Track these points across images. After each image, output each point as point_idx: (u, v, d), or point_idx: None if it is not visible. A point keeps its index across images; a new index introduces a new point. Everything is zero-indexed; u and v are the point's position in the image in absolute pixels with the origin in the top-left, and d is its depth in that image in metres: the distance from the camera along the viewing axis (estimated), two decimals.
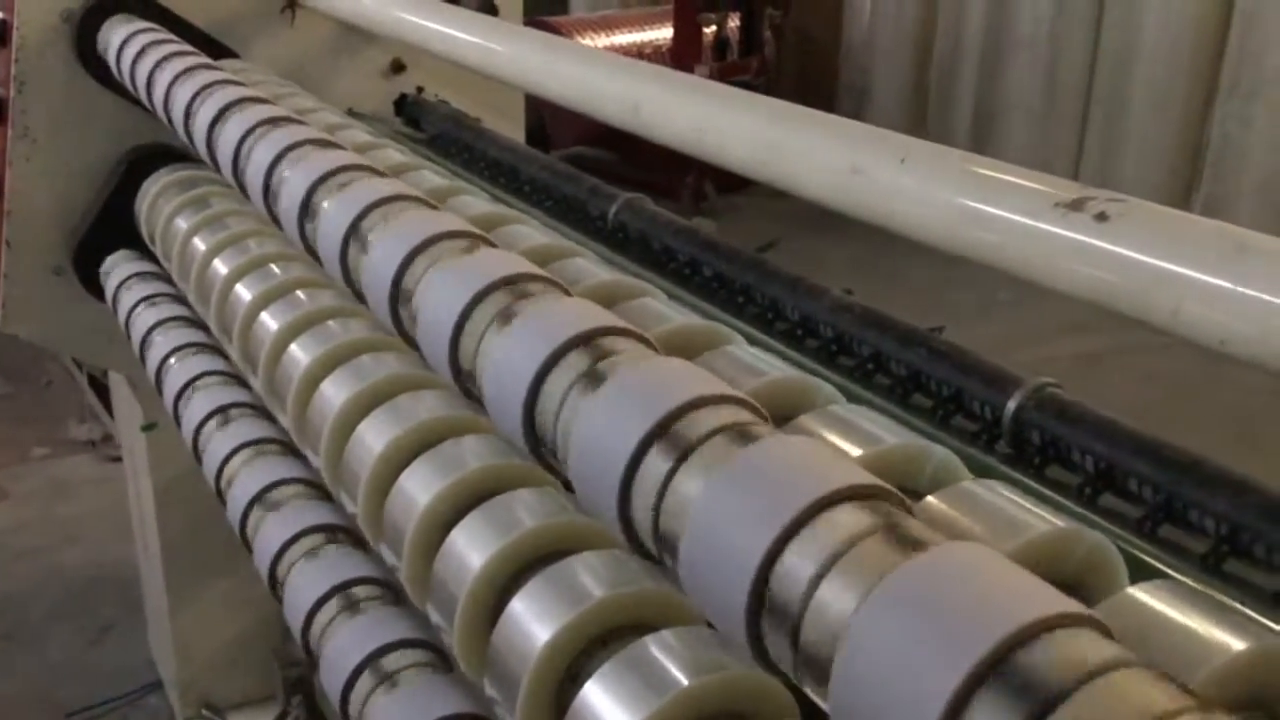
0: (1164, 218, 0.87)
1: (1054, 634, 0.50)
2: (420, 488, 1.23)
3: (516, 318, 0.86)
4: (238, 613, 2.91)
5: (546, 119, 7.37)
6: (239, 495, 1.55)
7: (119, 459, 4.43)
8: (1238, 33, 6.55)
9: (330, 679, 1.23)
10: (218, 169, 1.58)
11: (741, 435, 0.67)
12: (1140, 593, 0.70)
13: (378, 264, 1.06)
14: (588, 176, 2.03)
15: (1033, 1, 7.42)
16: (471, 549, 1.12)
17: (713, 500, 0.64)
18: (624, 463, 0.71)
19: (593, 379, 0.77)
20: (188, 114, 1.61)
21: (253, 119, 1.42)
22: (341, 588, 1.33)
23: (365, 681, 1.18)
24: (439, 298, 0.95)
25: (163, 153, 2.43)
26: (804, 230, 5.26)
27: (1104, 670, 0.48)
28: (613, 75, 1.44)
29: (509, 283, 0.91)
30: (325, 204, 1.18)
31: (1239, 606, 0.75)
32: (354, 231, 1.11)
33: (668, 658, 0.93)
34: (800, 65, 8.73)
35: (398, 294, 1.03)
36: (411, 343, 1.08)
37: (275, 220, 1.37)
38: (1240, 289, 0.80)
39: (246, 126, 1.41)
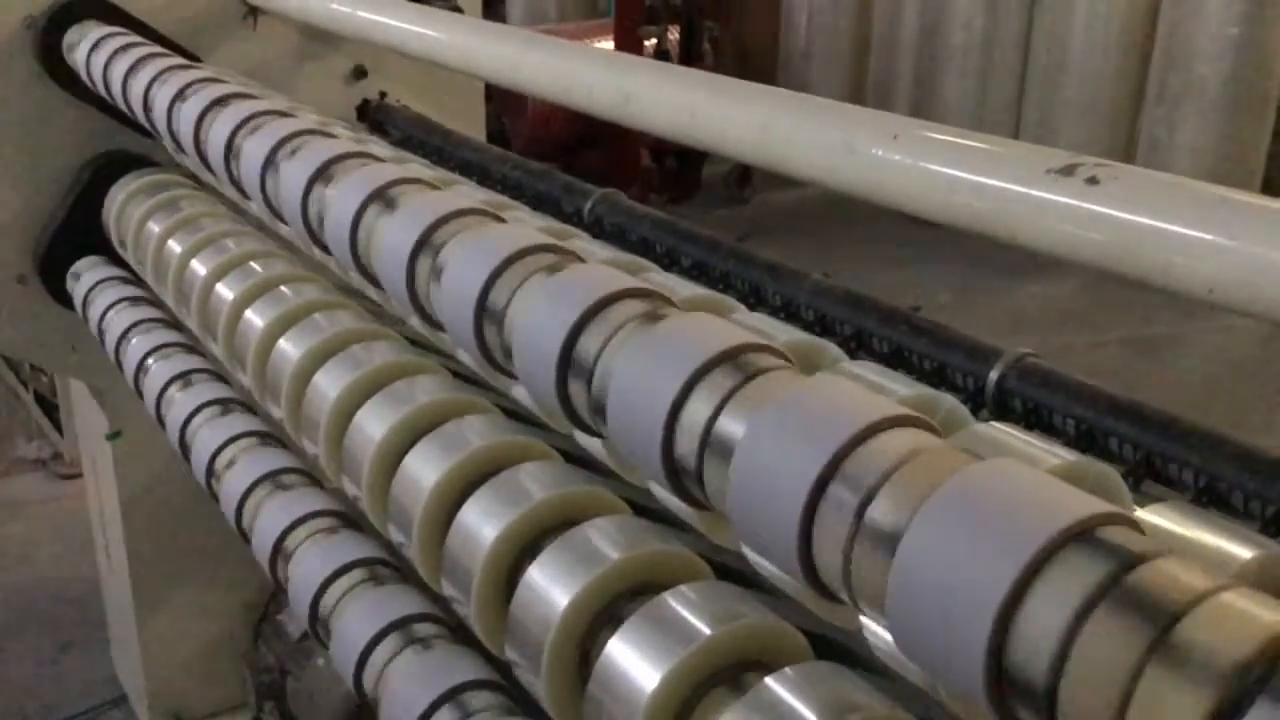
0: (1150, 180, 0.93)
1: (1100, 530, 0.55)
2: (427, 468, 1.26)
3: (548, 279, 0.90)
4: (205, 621, 2.89)
5: (508, 125, 7.39)
6: (233, 487, 1.56)
7: (70, 477, 4.38)
8: (1163, 41, 6.76)
9: (342, 655, 1.25)
10: (205, 165, 1.59)
11: (780, 378, 0.72)
12: (1149, 514, 0.76)
13: (394, 244, 1.09)
14: (560, 173, 2.07)
15: (965, 12, 7.60)
16: (484, 523, 1.15)
17: (761, 434, 0.68)
18: (667, 407, 0.75)
19: (632, 332, 0.81)
20: (170, 112, 1.62)
21: (244, 112, 1.45)
22: (344, 570, 1.35)
23: (381, 651, 1.20)
24: (465, 264, 0.98)
25: (127, 159, 2.43)
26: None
27: (1148, 558, 0.53)
28: (600, 67, 1.48)
29: (539, 250, 0.95)
30: (329, 189, 1.21)
31: (1237, 524, 0.80)
32: (361, 215, 1.14)
33: (688, 610, 0.97)
34: (739, 76, 8.84)
35: (414, 275, 1.06)
36: (427, 316, 1.11)
37: (272, 210, 1.39)
38: (1226, 241, 0.86)
39: (238, 119, 1.43)
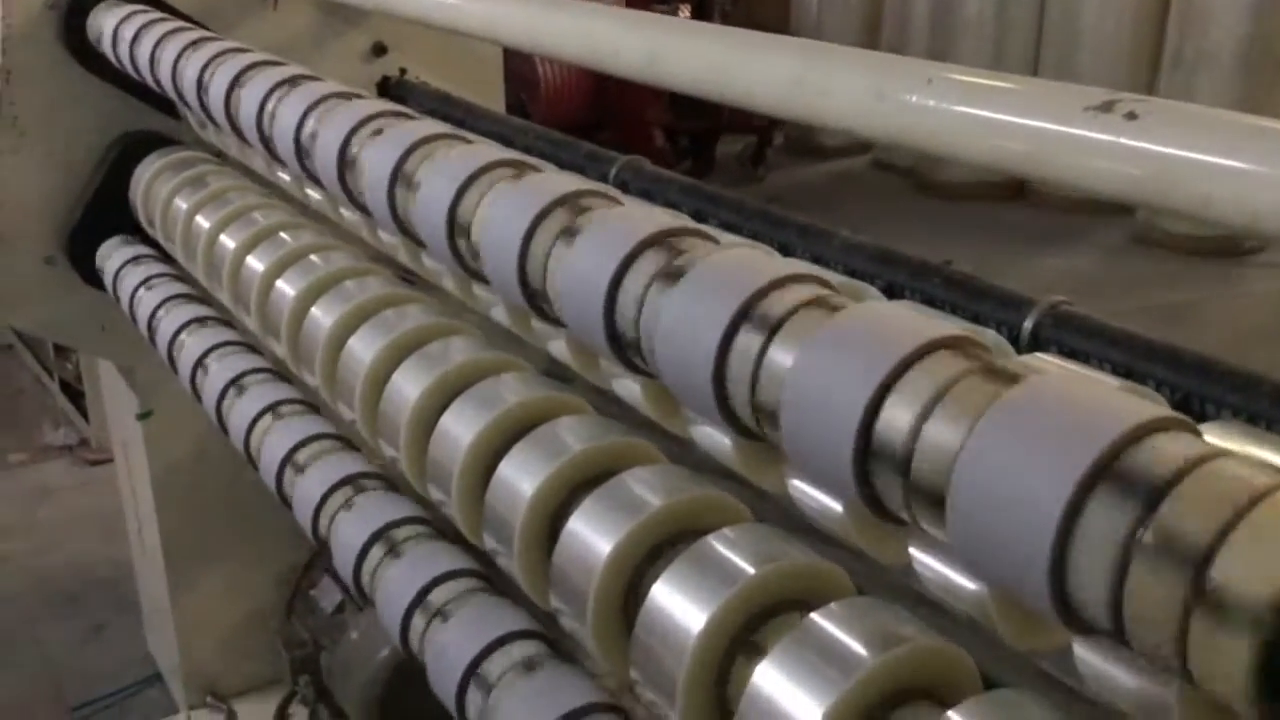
0: (1188, 113, 0.93)
1: (1155, 436, 0.56)
2: (463, 425, 1.27)
3: (584, 229, 0.91)
4: (239, 598, 2.92)
5: (526, 100, 7.39)
6: (271, 455, 1.57)
7: (97, 463, 4.42)
8: (1178, 5, 6.71)
9: (389, 611, 1.27)
10: (237, 132, 1.60)
11: (826, 306, 0.72)
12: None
13: (430, 199, 1.10)
14: (583, 142, 2.08)
15: None
16: (524, 476, 1.17)
17: (812, 361, 0.69)
18: (716, 343, 0.75)
19: (672, 273, 0.81)
20: (200, 82, 1.63)
21: (275, 78, 1.46)
22: (385, 530, 1.36)
23: (420, 614, 1.22)
24: (503, 219, 0.99)
25: (152, 139, 2.44)
26: None
27: (1205, 460, 0.54)
28: (625, 27, 1.48)
29: (572, 198, 0.95)
30: (365, 151, 1.22)
31: None
32: (399, 172, 1.15)
33: (732, 552, 0.98)
34: None
35: (454, 227, 1.07)
36: (471, 271, 1.12)
37: (307, 173, 1.40)
38: (1265, 169, 0.86)
39: (270, 85, 1.44)
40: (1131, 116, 0.93)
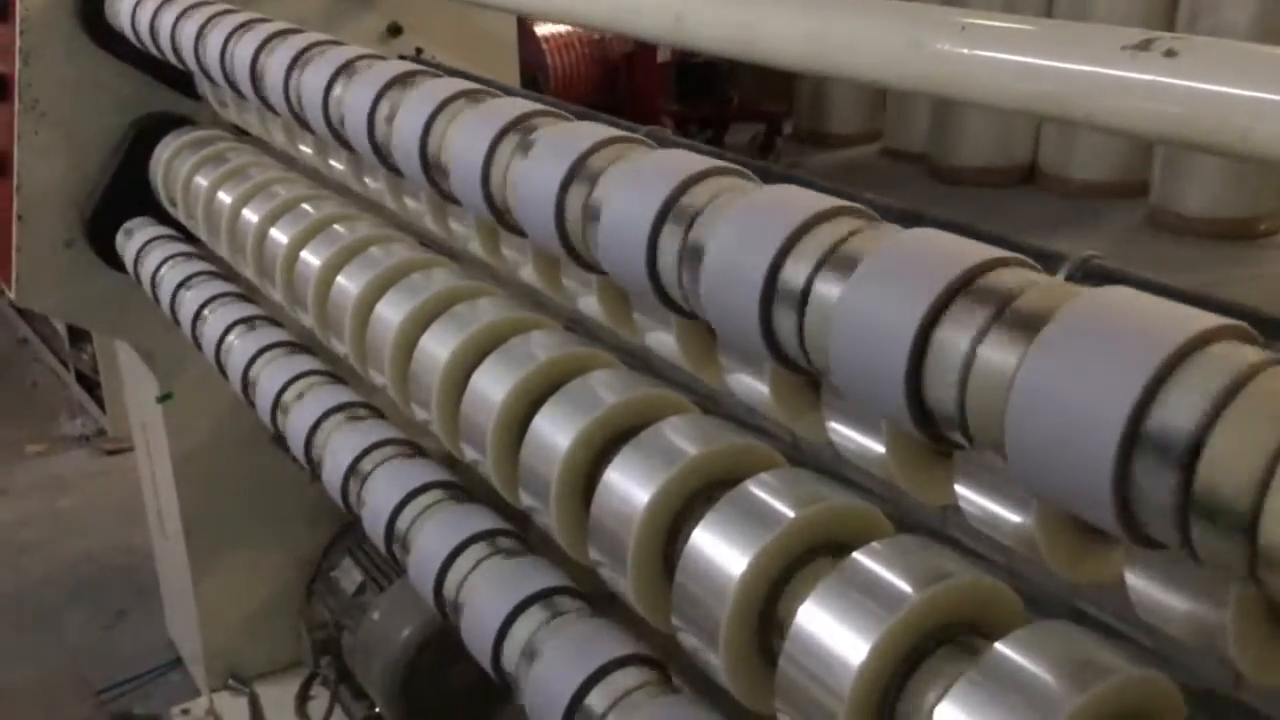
0: (1226, 48, 0.93)
1: (1218, 343, 0.56)
2: (495, 383, 1.27)
3: (618, 169, 0.91)
4: (259, 581, 2.93)
5: (540, 80, 7.39)
6: (301, 421, 1.58)
7: (114, 452, 4.44)
8: None
9: (422, 569, 1.27)
10: (262, 100, 1.60)
11: (875, 233, 0.72)
12: None
13: (464, 148, 1.10)
14: (602, 114, 2.08)
15: None
16: (558, 430, 1.17)
17: (868, 276, 0.69)
18: (764, 271, 0.75)
19: (707, 214, 0.81)
20: (224, 52, 1.64)
21: (300, 44, 1.46)
22: (420, 490, 1.37)
23: (462, 563, 1.22)
24: (536, 167, 0.99)
25: (170, 119, 2.44)
26: None
27: (1271, 363, 0.54)
28: None
29: (619, 139, 0.96)
30: (398, 106, 1.22)
31: None
32: (433, 121, 1.15)
33: (771, 496, 0.98)
34: None
35: (488, 173, 1.07)
36: (503, 219, 1.12)
37: (335, 133, 1.40)
38: None
39: (296, 50, 1.44)
40: (1171, 54, 0.93)
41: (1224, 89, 0.90)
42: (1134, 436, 0.57)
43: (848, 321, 0.71)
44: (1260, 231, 6.07)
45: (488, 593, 1.23)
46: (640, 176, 0.93)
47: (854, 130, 8.02)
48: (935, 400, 0.66)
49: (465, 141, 1.14)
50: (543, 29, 8.04)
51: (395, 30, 2.72)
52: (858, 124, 7.62)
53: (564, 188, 0.99)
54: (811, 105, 7.93)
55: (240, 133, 2.32)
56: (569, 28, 8.15)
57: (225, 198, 1.96)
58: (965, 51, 1.08)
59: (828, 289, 0.74)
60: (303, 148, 1.83)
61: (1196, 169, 5.97)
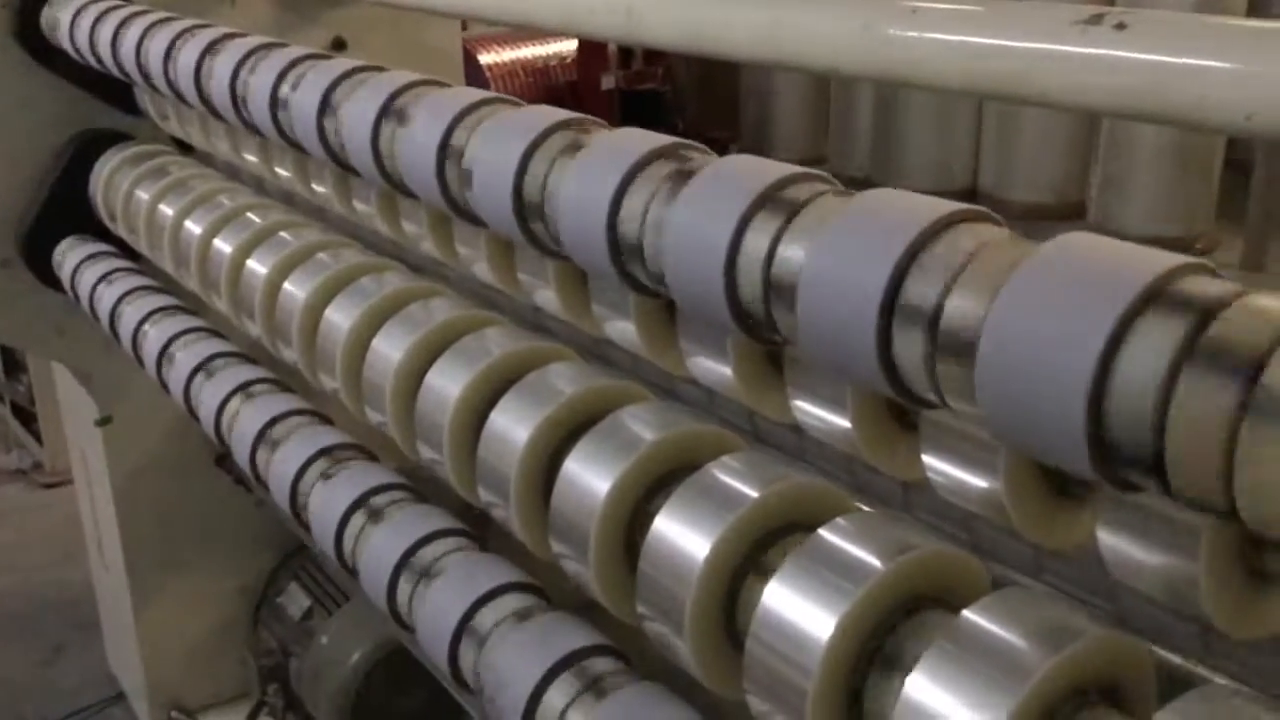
0: (1176, 20, 0.94)
1: (1188, 276, 0.56)
2: (450, 381, 1.25)
3: (584, 148, 0.90)
4: (203, 610, 2.86)
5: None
6: (243, 434, 1.54)
7: (51, 485, 4.33)
8: None
9: (373, 580, 1.24)
10: (206, 105, 1.58)
11: (836, 195, 0.72)
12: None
13: (419, 133, 1.08)
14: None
15: None
16: (516, 424, 1.14)
17: (831, 242, 0.68)
18: (727, 240, 0.74)
19: (679, 177, 0.80)
20: (166, 60, 1.61)
21: (246, 47, 1.44)
22: (366, 497, 1.34)
23: (407, 577, 1.20)
24: (497, 145, 0.98)
25: (109, 135, 2.40)
26: None
27: (1239, 295, 0.54)
28: None
29: (568, 125, 0.94)
30: (346, 102, 1.20)
31: None
32: (386, 111, 1.13)
33: (733, 478, 0.96)
34: (703, 71, 8.85)
35: (445, 154, 1.05)
36: (459, 208, 1.10)
37: (282, 134, 1.38)
38: (1258, 68, 0.86)
39: (243, 52, 1.42)
40: (1121, 27, 0.94)
41: (1176, 59, 0.91)
42: (1104, 378, 0.56)
43: (814, 285, 0.70)
44: (1196, 250, 6.19)
45: (444, 595, 1.20)
46: (597, 155, 0.91)
47: (798, 154, 8.07)
48: (906, 360, 0.66)
49: (418, 133, 1.12)
50: (486, 57, 8.06)
51: (339, 45, 2.70)
52: (802, 148, 7.68)
53: (520, 170, 0.98)
54: (756, 130, 7.98)
55: (182, 147, 2.28)
56: (513, 56, 8.17)
57: (168, 210, 1.92)
58: (916, 35, 1.09)
59: (792, 252, 0.73)
60: (247, 156, 1.80)
61: (1133, 189, 6.09)
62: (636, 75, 8.08)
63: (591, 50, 8.00)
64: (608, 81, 7.88)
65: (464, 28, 8.25)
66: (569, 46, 8.36)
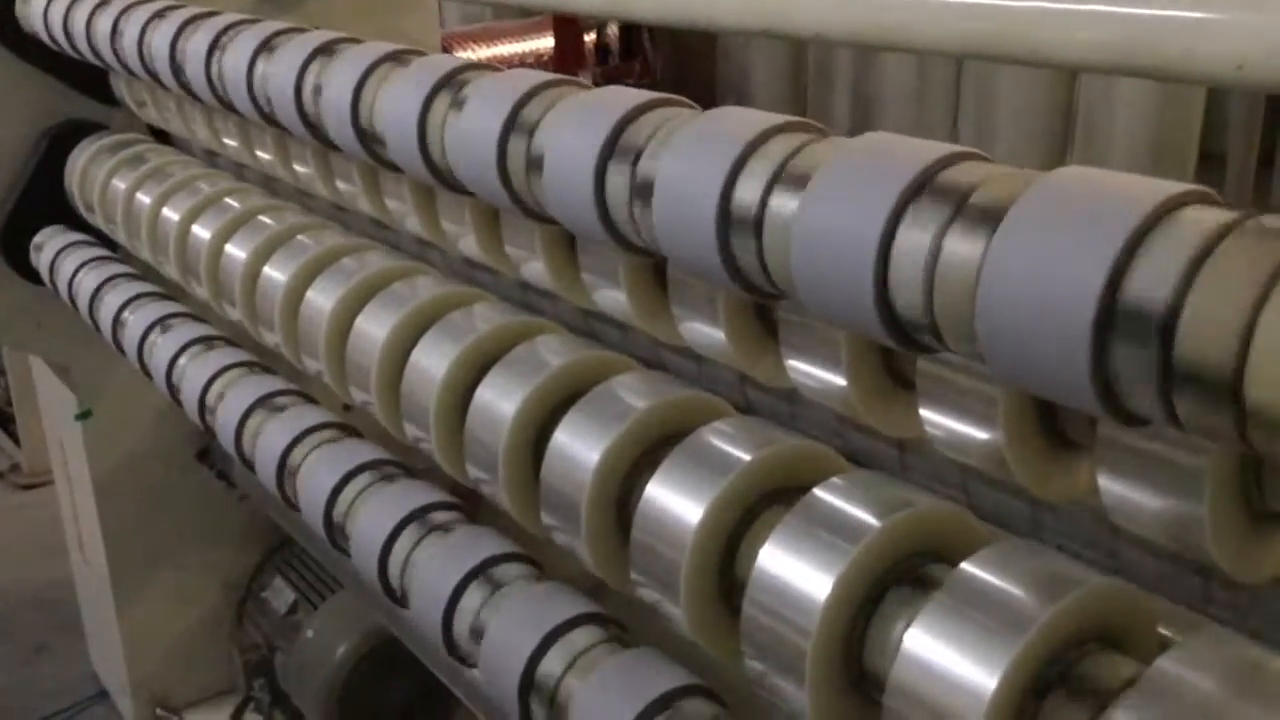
0: None
1: (1186, 208, 0.55)
2: (436, 358, 1.24)
3: (562, 102, 0.89)
4: (187, 606, 2.83)
5: None
6: (228, 416, 1.52)
7: (30, 487, 4.28)
8: None
9: (364, 551, 1.23)
10: (180, 84, 1.56)
11: (825, 145, 0.71)
12: None
13: (401, 101, 1.07)
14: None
15: None
16: (503, 397, 1.13)
17: (823, 194, 0.67)
18: (717, 194, 0.73)
19: (654, 144, 0.79)
20: (142, 35, 1.59)
21: (222, 22, 1.42)
22: (354, 473, 1.32)
23: (403, 542, 1.18)
24: (475, 107, 0.97)
25: (85, 126, 2.38)
26: None
27: (1242, 220, 0.53)
28: None
29: (556, 82, 0.93)
30: (324, 72, 1.18)
31: None
32: (363, 84, 1.12)
33: (724, 443, 0.96)
34: (679, 67, 8.84)
35: (425, 120, 1.04)
36: (443, 177, 1.09)
37: (259, 109, 1.37)
38: (1248, 16, 0.86)
39: (219, 29, 1.40)
40: None
41: (1165, 11, 0.91)
42: (1109, 309, 0.55)
43: (809, 233, 0.69)
44: None
45: (433, 568, 1.18)
46: (582, 114, 0.90)
47: None
48: (904, 303, 0.65)
49: (398, 102, 1.11)
50: (463, 53, 8.02)
51: None
52: None
53: (504, 135, 0.97)
54: None
55: (158, 136, 2.26)
56: (490, 53, 8.13)
57: (145, 198, 1.90)
58: None
59: (785, 202, 0.72)
60: (226, 140, 1.78)
61: None
62: (614, 71, 8.06)
63: (568, 47, 7.99)
64: (586, 77, 7.87)
65: (441, 24, 8.22)
66: (546, 44, 8.33)
